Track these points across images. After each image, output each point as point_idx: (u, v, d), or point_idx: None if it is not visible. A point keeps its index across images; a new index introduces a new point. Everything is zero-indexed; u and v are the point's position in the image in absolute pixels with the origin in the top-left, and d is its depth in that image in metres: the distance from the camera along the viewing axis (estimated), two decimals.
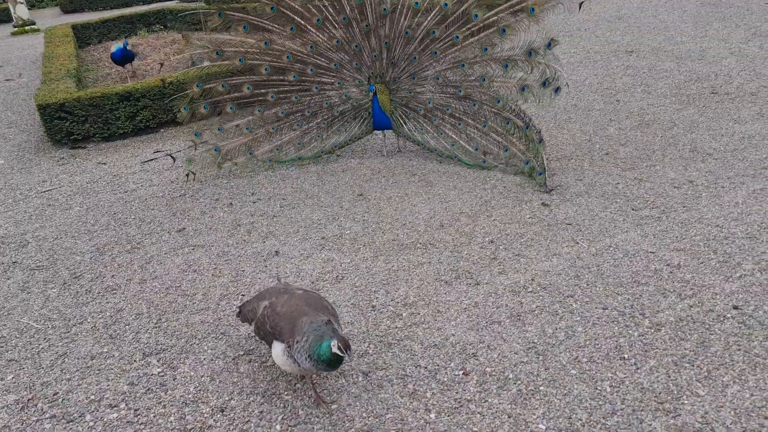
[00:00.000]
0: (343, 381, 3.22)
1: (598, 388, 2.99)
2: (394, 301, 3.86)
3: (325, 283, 4.14)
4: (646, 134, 6.04)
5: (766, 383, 2.89)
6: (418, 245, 4.49)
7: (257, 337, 3.26)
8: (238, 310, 3.46)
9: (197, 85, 5.69)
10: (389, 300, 3.87)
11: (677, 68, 7.97)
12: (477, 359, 3.27)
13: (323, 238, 4.74)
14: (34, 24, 18.35)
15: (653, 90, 7.28)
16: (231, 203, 5.51)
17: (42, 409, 3.22)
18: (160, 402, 3.20)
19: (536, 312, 3.60)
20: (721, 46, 8.72)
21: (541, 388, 3.03)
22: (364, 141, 6.60)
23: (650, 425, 2.74)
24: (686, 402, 2.84)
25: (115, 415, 3.14)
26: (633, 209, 4.67)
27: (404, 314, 3.71)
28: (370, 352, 3.42)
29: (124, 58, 9.72)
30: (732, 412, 2.76)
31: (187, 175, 5.91)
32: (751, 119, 6.06)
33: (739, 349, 3.13)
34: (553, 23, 11.41)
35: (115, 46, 9.97)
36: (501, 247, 4.34)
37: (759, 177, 4.90)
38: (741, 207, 4.50)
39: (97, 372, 3.47)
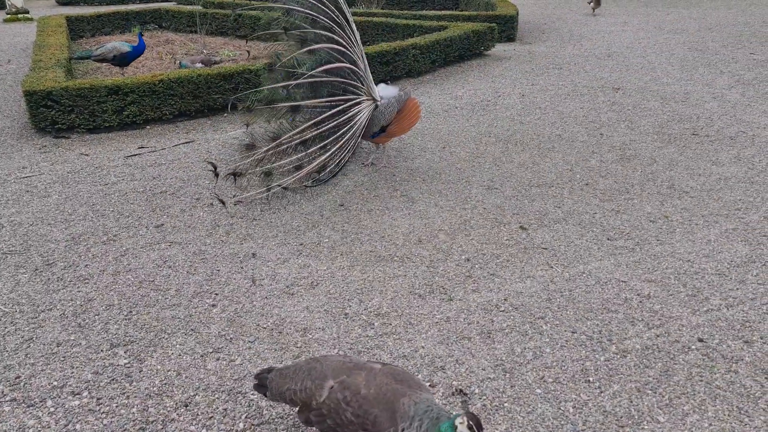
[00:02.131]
0: None
1: (562, 408, 3.02)
2: (367, 310, 3.88)
3: (300, 288, 4.14)
4: (626, 168, 6.16)
5: (725, 414, 2.95)
6: (395, 258, 4.52)
7: (311, 426, 2.49)
8: (257, 381, 2.73)
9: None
10: (362, 309, 3.89)
11: (661, 108, 8.16)
12: (444, 372, 3.30)
13: (301, 244, 4.75)
14: (27, 13, 18.25)
15: (636, 127, 7.44)
16: (212, 203, 5.50)
17: (2, 392, 3.17)
18: (124, 393, 3.17)
19: (506, 331, 3.64)
20: (705, 90, 8.95)
21: (506, 404, 3.06)
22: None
23: None
24: (646, 427, 2.89)
25: (77, 402, 3.10)
26: (608, 239, 4.75)
27: (376, 324, 3.73)
28: None
29: (137, 53, 9.67)
30: None
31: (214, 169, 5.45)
32: (728, 162, 6.22)
33: (701, 380, 3.19)
34: (544, 56, 11.65)
35: (114, 41, 9.94)
36: (476, 266, 4.39)
37: (732, 217, 5.02)
38: (713, 245, 4.61)
39: (62, 359, 3.44)
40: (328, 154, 5.66)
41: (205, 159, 6.48)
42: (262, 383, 2.68)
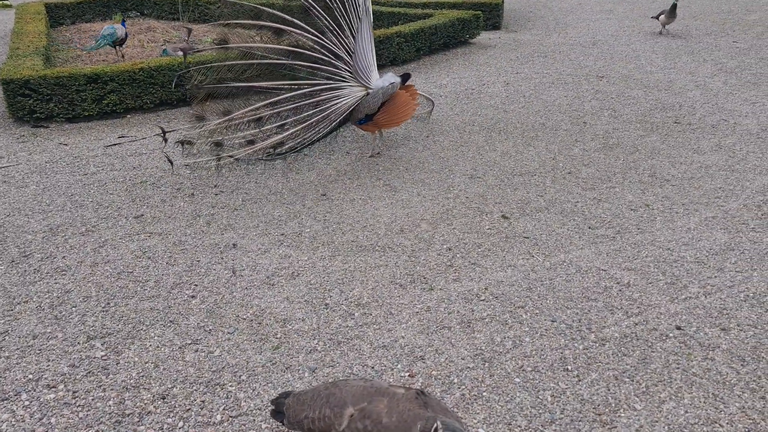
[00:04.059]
0: (289, 375, 3.21)
1: (540, 397, 3.03)
2: (347, 300, 3.86)
3: (280, 278, 4.12)
4: (608, 157, 6.17)
5: (701, 402, 2.97)
6: (377, 248, 4.50)
7: None
8: (273, 407, 2.61)
9: None
10: (343, 299, 3.87)
11: (644, 96, 8.17)
12: (424, 362, 3.29)
13: (283, 234, 4.72)
14: (6, 0, 17.92)
15: (619, 115, 7.45)
16: (193, 194, 5.45)
17: None
18: (101, 385, 3.14)
19: (486, 320, 3.64)
20: (688, 78, 8.97)
21: (485, 393, 3.06)
22: (331, 142, 6.61)
23: None
24: (623, 415, 2.90)
25: (52, 395, 3.07)
26: (589, 227, 4.76)
27: (356, 314, 3.72)
28: (319, 349, 3.42)
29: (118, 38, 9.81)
30: (666, 428, 2.83)
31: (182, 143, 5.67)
32: (709, 150, 6.25)
33: (678, 368, 3.21)
34: (529, 44, 11.62)
35: (110, 25, 10.01)
36: (458, 255, 4.38)
37: (712, 206, 5.05)
38: (692, 233, 4.63)
39: (38, 352, 3.39)
40: (286, 134, 5.73)
41: (156, 124, 6.49)
42: (278, 409, 2.51)
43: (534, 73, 9.54)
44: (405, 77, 6.10)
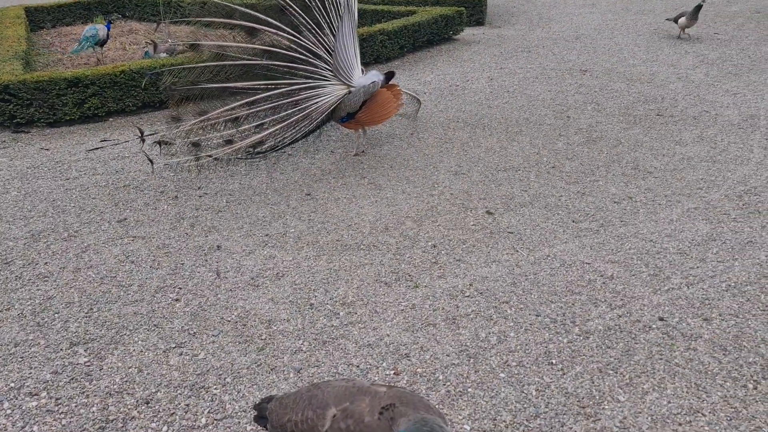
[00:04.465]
0: (274, 377, 3.20)
1: (525, 391, 3.04)
2: (332, 300, 3.86)
3: (265, 279, 4.11)
4: (592, 150, 6.20)
5: (683, 392, 2.99)
6: (362, 246, 4.50)
7: None
8: (256, 412, 2.55)
9: None
10: (328, 299, 3.87)
11: (627, 89, 8.21)
12: (409, 360, 3.30)
13: (267, 235, 4.71)
14: None
15: (603, 108, 7.48)
16: (176, 196, 5.42)
17: None
18: (84, 392, 3.12)
19: (471, 316, 3.65)
20: (670, 71, 9.02)
21: (470, 389, 3.07)
22: (315, 141, 6.60)
23: (571, 429, 2.81)
24: (607, 407, 2.92)
25: (34, 403, 3.04)
26: (573, 221, 4.78)
27: (341, 313, 3.71)
28: (304, 349, 3.41)
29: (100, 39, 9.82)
30: (649, 418, 2.84)
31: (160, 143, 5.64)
32: (691, 141, 6.29)
33: (661, 359, 3.23)
34: (513, 39, 11.65)
35: (92, 26, 10.02)
36: (443, 252, 4.39)
37: (694, 197, 5.08)
38: (675, 224, 4.66)
39: (20, 359, 3.37)
40: (265, 133, 5.70)
41: (134, 124, 6.46)
42: (261, 414, 2.46)
43: (518, 68, 9.56)
44: (389, 75, 6.10)
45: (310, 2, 5.75)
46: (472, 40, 11.71)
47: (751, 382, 3.04)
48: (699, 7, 10.41)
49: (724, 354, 3.24)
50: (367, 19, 11.89)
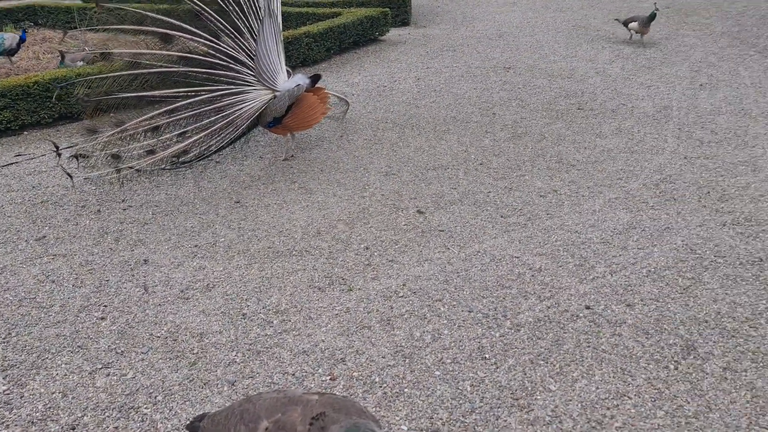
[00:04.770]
0: (207, 391, 3.12)
1: (460, 387, 3.09)
2: (265, 308, 3.80)
3: (195, 291, 4.01)
4: (518, 146, 6.35)
5: (610, 377, 3.11)
6: (294, 252, 4.46)
7: None
8: (190, 430, 2.43)
9: None
10: (261, 308, 3.81)
11: (549, 85, 8.46)
12: (345, 364, 3.29)
13: (196, 245, 4.60)
14: None
15: (527, 104, 7.68)
16: (99, 210, 5.22)
17: None
18: (3, 422, 2.96)
19: (405, 316, 3.67)
20: (589, 66, 9.35)
21: (406, 390, 3.09)
22: (243, 147, 6.49)
23: (506, 421, 2.87)
24: (539, 397, 3.00)
25: None
26: (502, 216, 4.88)
27: (275, 322, 3.67)
28: (238, 361, 3.35)
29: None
30: (579, 405, 2.94)
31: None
32: (611, 134, 6.54)
33: (588, 346, 3.34)
34: (438, 38, 11.80)
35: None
36: (375, 254, 4.40)
37: (614, 187, 5.29)
38: (598, 214, 4.83)
39: None
40: (188, 141, 5.57)
41: (50, 137, 6.21)
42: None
43: (444, 67, 9.69)
44: (315, 78, 6.06)
45: (227, 6, 5.63)
46: (399, 41, 11.80)
47: (672, 363, 3.19)
48: (653, 16, 10.26)
49: (646, 338, 3.38)
50: (292, 21, 11.79)
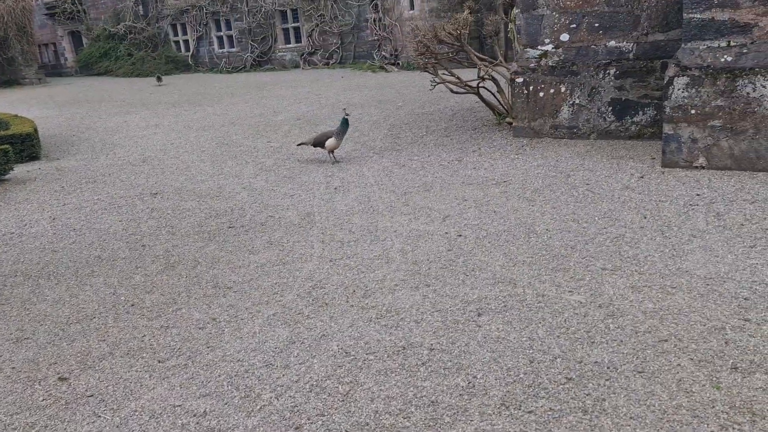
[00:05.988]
0: None
1: None
2: None
3: None
4: (171, 277, 6.08)
5: None
6: None
7: None
8: None
9: None
10: None
11: (199, 206, 8.44)
12: None
13: None
14: None
15: (177, 230, 7.49)
16: None
17: None
18: None
19: None
20: (235, 182, 9.65)
21: None
22: None
23: None
24: None
25: None
26: (159, 361, 4.52)
27: None
28: None
29: None
30: None
31: None
32: (262, 248, 6.71)
33: None
34: (75, 170, 11.00)
35: None
36: None
37: (271, 303, 5.36)
38: (258, 336, 4.81)
39: None
40: None
41: None
42: None
43: (84, 202, 9.00)
44: None
45: None
46: (27, 178, 10.65)
47: None
48: (346, 121, 9.85)
49: None
50: None
